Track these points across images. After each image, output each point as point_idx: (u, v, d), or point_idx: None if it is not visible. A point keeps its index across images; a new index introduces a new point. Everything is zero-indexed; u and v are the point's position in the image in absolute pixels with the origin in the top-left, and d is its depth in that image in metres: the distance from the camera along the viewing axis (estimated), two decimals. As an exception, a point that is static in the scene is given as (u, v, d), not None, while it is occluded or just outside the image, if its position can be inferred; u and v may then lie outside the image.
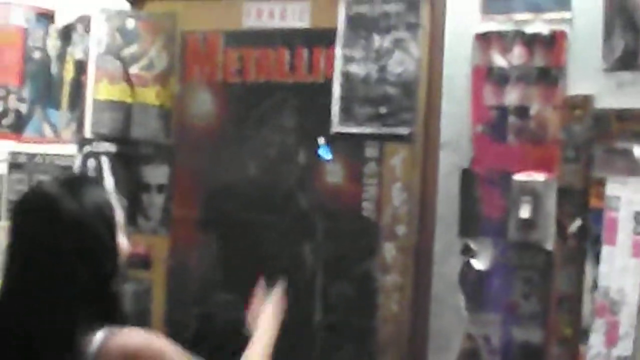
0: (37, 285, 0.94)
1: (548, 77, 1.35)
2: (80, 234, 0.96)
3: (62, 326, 0.94)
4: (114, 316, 0.96)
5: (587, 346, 1.30)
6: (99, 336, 0.93)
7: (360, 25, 1.41)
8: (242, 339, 1.13)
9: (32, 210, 0.99)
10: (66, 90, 1.58)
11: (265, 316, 1.16)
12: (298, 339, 1.41)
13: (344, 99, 1.44)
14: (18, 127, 1.56)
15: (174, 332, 1.42)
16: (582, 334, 1.32)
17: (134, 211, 1.55)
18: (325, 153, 1.43)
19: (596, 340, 1.30)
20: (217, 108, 1.55)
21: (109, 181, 1.47)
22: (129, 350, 0.95)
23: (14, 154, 1.56)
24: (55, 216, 0.96)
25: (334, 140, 1.44)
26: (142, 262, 1.57)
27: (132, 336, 0.96)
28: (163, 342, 1.00)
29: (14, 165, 1.53)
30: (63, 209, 0.96)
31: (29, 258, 0.96)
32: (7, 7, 1.49)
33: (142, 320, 1.49)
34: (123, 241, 1.01)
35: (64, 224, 0.96)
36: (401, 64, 1.40)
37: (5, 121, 1.49)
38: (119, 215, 1.01)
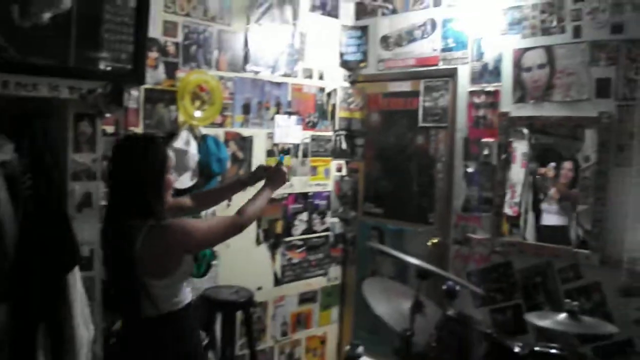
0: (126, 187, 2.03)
1: (493, 105, 3.91)
2: (149, 166, 2.01)
3: (142, 204, 1.99)
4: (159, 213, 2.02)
5: None
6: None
7: (429, 89, 4.34)
8: (389, 197, 4.09)
9: (126, 149, 2.06)
10: (329, 114, 4.50)
11: (268, 178, 2.38)
12: (408, 195, 4.36)
13: (423, 115, 4.25)
14: (313, 126, 4.41)
15: (366, 193, 4.58)
16: None
17: (352, 152, 4.68)
18: (282, 159, 2.83)
19: None
20: (380, 119, 4.57)
21: (343, 143, 4.59)
22: (176, 224, 2.02)
23: (313, 135, 4.42)
24: (137, 154, 2.01)
25: (420, 129, 4.35)
26: (355, 170, 4.70)
27: (173, 221, 2.03)
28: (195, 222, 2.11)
29: (313, 139, 4.45)
30: (143, 153, 2.03)
31: (123, 176, 2.03)
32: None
33: (355, 188, 4.71)
34: (170, 177, 2.12)
35: (142, 159, 2.00)
36: (443, 100, 4.23)
37: (309, 124, 4.51)
38: (171, 161, 2.11)
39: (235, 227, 2.22)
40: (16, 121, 2.75)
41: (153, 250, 1.96)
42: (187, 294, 2.18)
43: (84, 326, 2.50)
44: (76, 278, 2.61)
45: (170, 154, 2.17)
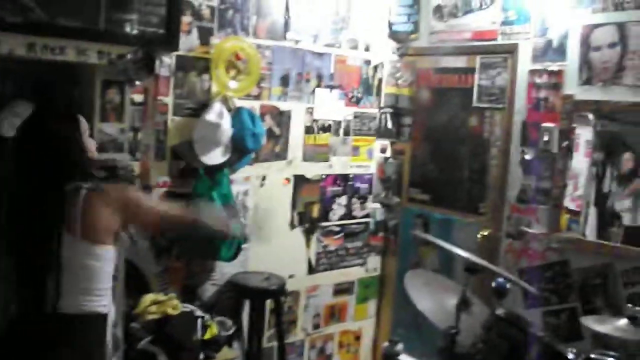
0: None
1: (556, 87, 3.80)
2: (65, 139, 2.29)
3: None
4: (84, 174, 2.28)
5: None
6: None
7: (485, 66, 4.31)
8: (437, 182, 4.21)
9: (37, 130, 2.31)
10: (374, 89, 4.57)
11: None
12: (459, 182, 4.36)
13: (478, 93, 4.24)
14: (357, 102, 4.44)
15: (412, 178, 4.62)
16: None
17: (398, 133, 4.73)
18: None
19: None
20: (430, 96, 4.58)
21: (388, 122, 4.63)
22: (112, 190, 2.27)
23: (356, 112, 4.46)
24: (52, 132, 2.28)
25: (474, 109, 4.30)
26: (401, 152, 4.73)
27: (114, 185, 2.28)
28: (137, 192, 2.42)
29: (355, 116, 4.43)
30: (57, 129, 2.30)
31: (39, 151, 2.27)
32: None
33: (400, 172, 4.74)
34: (89, 143, 2.39)
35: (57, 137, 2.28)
36: (502, 80, 4.16)
37: (352, 99, 4.45)
38: (84, 127, 2.37)
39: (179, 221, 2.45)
40: (41, 86, 2.82)
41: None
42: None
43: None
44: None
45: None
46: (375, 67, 4.65)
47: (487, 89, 4.24)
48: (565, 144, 3.78)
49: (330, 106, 4.39)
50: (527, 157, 3.99)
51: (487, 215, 4.24)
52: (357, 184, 4.66)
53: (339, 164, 4.54)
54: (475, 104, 4.32)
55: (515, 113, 4.05)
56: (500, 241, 4.10)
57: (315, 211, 4.44)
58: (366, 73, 4.60)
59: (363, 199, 4.71)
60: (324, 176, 4.46)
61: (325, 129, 4.40)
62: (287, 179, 4.24)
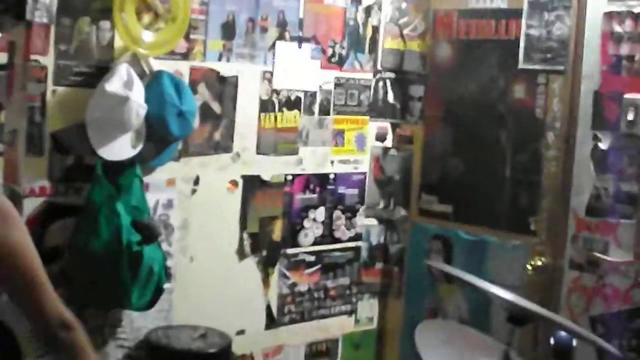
0: None
1: None
2: None
3: None
4: None
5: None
6: None
7: (537, 7, 4.34)
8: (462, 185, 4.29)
9: None
10: (367, 42, 4.67)
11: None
12: (497, 186, 4.45)
13: (526, 48, 4.30)
14: (340, 62, 4.55)
15: (425, 179, 4.73)
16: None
17: (404, 111, 4.88)
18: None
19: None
20: (452, 53, 4.71)
21: (390, 94, 4.66)
22: None
23: (338, 78, 4.55)
24: None
25: (520, 73, 4.37)
26: (408, 140, 4.90)
27: None
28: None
29: (337, 85, 4.51)
30: None
31: None
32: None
33: (407, 171, 4.88)
34: None
35: None
36: (560, 29, 4.21)
37: (333, 59, 4.43)
38: None
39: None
40: None
41: None
42: None
43: None
44: None
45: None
46: (368, 10, 4.68)
47: (540, 43, 4.34)
48: (661, 124, 3.89)
49: (299, 69, 4.42)
50: (602, 146, 4.09)
51: (541, 235, 4.31)
52: (342, 189, 4.68)
53: (314, 159, 4.57)
54: (522, 65, 4.40)
55: (584, 78, 4.15)
56: (562, 274, 4.16)
57: (277, 231, 4.46)
58: (354, 18, 4.62)
59: (351, 212, 4.74)
60: (290, 177, 4.48)
61: (292, 104, 4.43)
62: (233, 183, 4.27)
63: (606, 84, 4.08)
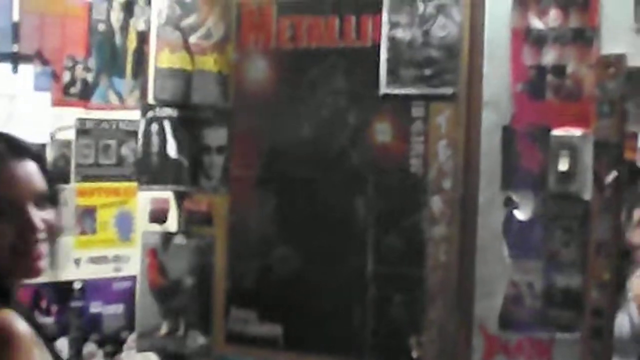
0: None
1: (582, 37, 3.54)
2: None
3: None
4: None
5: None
6: None
7: (405, -7, 3.58)
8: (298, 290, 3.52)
9: None
10: (130, 59, 4.06)
11: None
12: (352, 288, 3.71)
13: (390, 62, 3.71)
14: (85, 95, 3.97)
15: (235, 284, 3.90)
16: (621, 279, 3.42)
17: (196, 172, 3.99)
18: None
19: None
20: (271, 73, 4.11)
21: (171, 144, 3.77)
22: None
23: (82, 121, 3.98)
24: None
25: (383, 101, 3.60)
26: (205, 219, 4.21)
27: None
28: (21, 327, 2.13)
29: (82, 131, 3.85)
30: None
31: None
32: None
33: (205, 272, 4.01)
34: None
35: None
36: (444, 28, 3.57)
37: (73, 90, 3.84)
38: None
39: None
40: None
41: None
42: None
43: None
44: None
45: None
46: (129, 4, 4.29)
47: (413, 51, 4.02)
48: (612, 175, 3.51)
49: (15, 108, 4.10)
50: (520, 215, 3.79)
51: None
52: (96, 307, 4.36)
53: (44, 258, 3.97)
54: (385, 88, 4.05)
55: (486, 107, 3.86)
56: None
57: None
58: (106, 19, 4.24)
59: (113, 345, 4.44)
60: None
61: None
62: None
63: (522, 115, 3.79)
